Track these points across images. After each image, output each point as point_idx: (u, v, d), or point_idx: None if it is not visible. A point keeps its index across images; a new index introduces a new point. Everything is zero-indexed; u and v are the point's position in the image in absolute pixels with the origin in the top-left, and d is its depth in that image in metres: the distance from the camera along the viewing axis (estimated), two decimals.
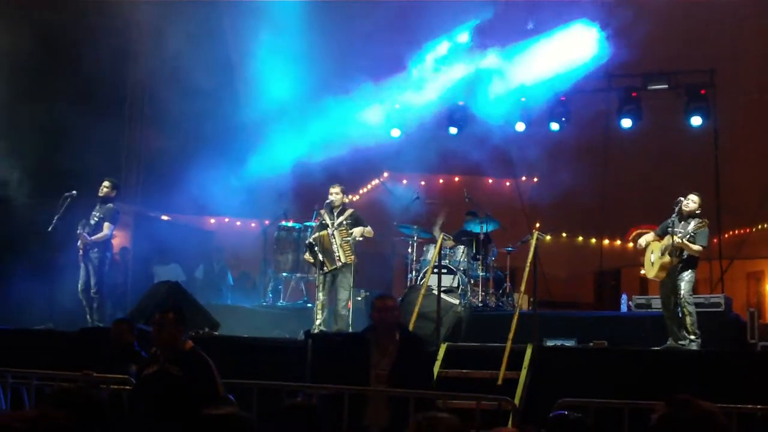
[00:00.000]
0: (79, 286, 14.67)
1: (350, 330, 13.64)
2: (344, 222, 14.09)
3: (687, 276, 12.50)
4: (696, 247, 12.43)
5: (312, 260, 14.20)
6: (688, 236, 12.41)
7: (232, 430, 4.51)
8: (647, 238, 13.11)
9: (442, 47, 20.33)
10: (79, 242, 14.61)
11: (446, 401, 8.84)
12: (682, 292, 12.40)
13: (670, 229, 12.60)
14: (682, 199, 12.71)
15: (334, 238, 13.92)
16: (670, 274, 12.54)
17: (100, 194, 14.87)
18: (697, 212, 12.66)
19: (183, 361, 8.10)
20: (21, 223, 16.76)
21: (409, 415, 8.07)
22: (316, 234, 14.08)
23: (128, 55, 20.76)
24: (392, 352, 8.86)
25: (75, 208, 15.03)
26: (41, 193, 16.98)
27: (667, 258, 12.50)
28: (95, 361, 10.04)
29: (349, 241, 13.96)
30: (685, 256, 12.51)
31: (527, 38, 19.57)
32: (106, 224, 14.67)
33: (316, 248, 13.96)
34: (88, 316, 14.58)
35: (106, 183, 14.93)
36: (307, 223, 16.34)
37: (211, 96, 19.20)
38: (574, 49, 19.07)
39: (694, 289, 12.93)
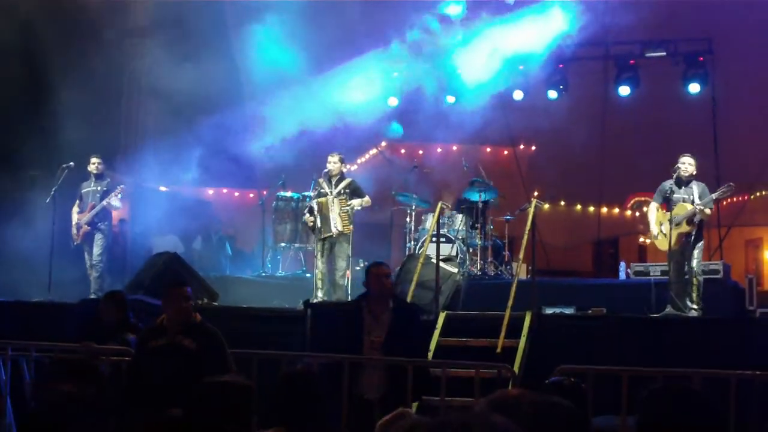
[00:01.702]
0: (91, 261, 14.96)
1: (349, 299, 13.68)
2: (343, 191, 14.12)
3: (700, 245, 12.52)
4: (707, 211, 12.46)
5: (311, 223, 14.20)
6: (702, 202, 12.40)
7: (233, 396, 4.52)
8: (653, 214, 13.06)
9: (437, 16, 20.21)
10: (84, 219, 14.74)
11: (446, 369, 8.84)
12: (694, 261, 12.42)
13: (670, 195, 12.59)
14: (680, 166, 12.70)
15: (333, 205, 13.96)
16: (684, 242, 12.52)
17: (94, 171, 15.03)
18: (694, 174, 12.65)
19: (195, 334, 8.14)
20: (20, 194, 16.74)
21: (406, 383, 8.11)
22: (317, 200, 14.10)
23: (126, 28, 20.68)
24: (386, 319, 8.93)
25: (71, 180, 15.09)
26: (39, 165, 16.99)
27: (685, 227, 12.46)
28: (95, 332, 10.05)
29: (347, 210, 14.00)
30: (697, 221, 12.49)
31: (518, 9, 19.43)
32: (119, 195, 14.87)
33: (315, 211, 14.00)
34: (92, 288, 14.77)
35: (96, 159, 15.16)
36: (306, 193, 16.32)
37: (210, 67, 19.12)
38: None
39: None
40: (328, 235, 13.96)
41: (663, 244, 12.86)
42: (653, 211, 13.09)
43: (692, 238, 12.49)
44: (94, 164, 15.09)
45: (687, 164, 12.66)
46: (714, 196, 12.48)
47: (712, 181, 13.19)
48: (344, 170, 14.51)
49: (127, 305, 10.32)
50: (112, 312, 10.16)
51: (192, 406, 4.54)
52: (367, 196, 14.43)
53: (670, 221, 12.57)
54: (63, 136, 16.75)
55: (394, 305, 9.03)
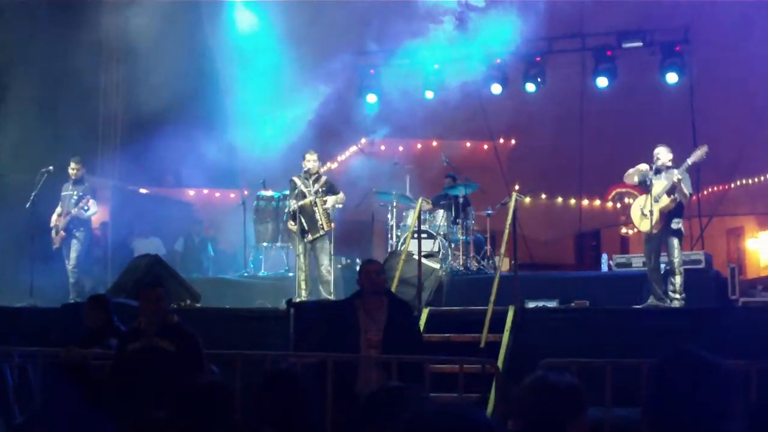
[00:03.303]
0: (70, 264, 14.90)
1: (332, 297, 13.67)
2: (320, 189, 14.09)
3: (677, 230, 12.52)
4: (686, 190, 12.43)
5: (294, 229, 14.15)
6: (679, 170, 12.41)
7: (214, 399, 4.52)
8: (632, 174, 13.01)
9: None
10: (60, 224, 14.70)
11: (429, 365, 8.84)
12: (675, 251, 12.43)
13: (650, 181, 12.59)
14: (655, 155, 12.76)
15: (316, 206, 13.92)
16: (663, 225, 12.51)
17: (73, 175, 15.00)
18: (669, 163, 12.65)
19: (172, 335, 8.13)
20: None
21: (402, 380, 8.10)
22: (299, 202, 14.04)
23: (103, 29, 20.61)
24: (381, 317, 8.91)
25: (51, 184, 15.04)
26: (19, 168, 16.94)
27: (665, 201, 12.43)
28: (77, 337, 10.02)
29: (327, 209, 13.98)
30: (678, 197, 12.45)
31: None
32: (92, 201, 14.81)
33: (300, 216, 13.95)
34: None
35: (74, 164, 15.10)
36: (285, 192, 16.30)
37: (187, 66, 19.09)
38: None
39: None
40: (316, 236, 13.91)
41: (645, 225, 12.83)
42: (632, 173, 13.03)
43: (669, 226, 12.50)
44: (73, 169, 15.01)
45: (661, 154, 12.68)
46: (689, 160, 12.47)
47: (692, 170, 13.21)
48: (322, 169, 14.46)
49: (111, 309, 10.28)
50: (96, 316, 10.11)
51: (174, 408, 4.54)
52: (341, 192, 14.43)
53: (653, 200, 12.56)
54: (40, 138, 16.71)
55: (388, 302, 9.01)
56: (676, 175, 12.36)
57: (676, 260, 12.41)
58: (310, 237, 13.95)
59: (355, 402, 8.65)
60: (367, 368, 8.83)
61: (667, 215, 12.49)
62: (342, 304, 9.77)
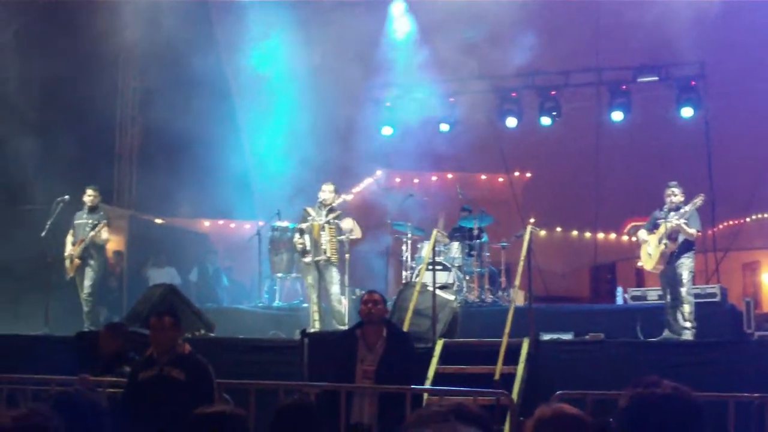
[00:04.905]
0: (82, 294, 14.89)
1: (344, 328, 13.67)
2: (332, 220, 14.09)
3: (687, 263, 12.58)
4: (690, 230, 12.50)
5: (300, 245, 14.16)
6: (684, 216, 12.48)
7: (225, 427, 4.50)
8: (642, 235, 13.18)
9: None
10: (75, 252, 14.69)
11: (444, 397, 8.81)
12: (684, 280, 12.48)
13: (659, 221, 12.69)
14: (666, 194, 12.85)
15: (324, 231, 13.93)
16: (669, 262, 12.60)
17: (89, 203, 14.95)
18: (682, 201, 12.73)
19: (183, 365, 8.08)
20: (16, 227, 16.73)
21: (401, 411, 8.09)
22: (307, 223, 14.08)
23: (121, 59, 20.76)
24: (379, 348, 8.95)
25: (66, 213, 15.07)
26: (35, 199, 17.00)
27: (664, 245, 12.55)
28: (91, 365, 10.03)
29: (335, 240, 13.97)
30: (681, 240, 12.56)
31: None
32: (105, 228, 14.80)
33: (306, 235, 13.99)
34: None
35: (91, 191, 15.04)
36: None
37: (204, 100, 19.20)
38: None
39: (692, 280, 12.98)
40: (318, 258, 13.92)
41: (648, 263, 13.01)
42: (643, 234, 13.18)
43: (679, 259, 12.56)
44: (90, 196, 14.97)
45: (671, 193, 12.79)
46: (687, 208, 12.55)
47: (706, 205, 13.21)
48: (337, 201, 14.45)
49: (127, 337, 10.30)
50: (111, 343, 10.12)
51: None
52: (354, 224, 14.45)
53: (657, 242, 12.69)
54: (56, 168, 16.78)
55: (387, 334, 9.05)
56: (674, 221, 12.45)
57: (684, 289, 12.49)
58: (310, 258, 13.97)
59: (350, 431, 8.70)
60: (361, 398, 8.86)
61: (670, 255, 12.57)
62: (344, 335, 9.82)
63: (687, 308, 12.39)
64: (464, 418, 2.80)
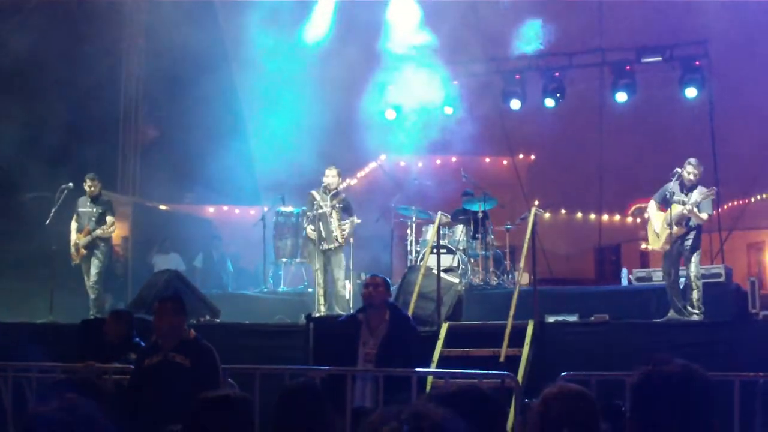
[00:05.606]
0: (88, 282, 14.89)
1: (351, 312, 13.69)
2: (336, 205, 14.11)
3: (694, 247, 12.54)
4: (703, 215, 12.46)
5: (313, 235, 14.17)
6: (695, 205, 12.43)
7: (230, 411, 4.50)
8: (652, 208, 13.14)
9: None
10: (81, 242, 14.67)
11: (449, 379, 8.82)
12: (692, 265, 12.46)
13: (670, 197, 12.63)
14: (679, 169, 12.72)
15: (332, 218, 13.96)
16: (675, 244, 12.57)
17: (89, 192, 14.87)
18: (696, 180, 12.65)
19: (188, 350, 8.07)
20: (21, 215, 16.75)
21: (405, 395, 8.10)
22: (317, 211, 14.09)
23: (125, 48, 20.75)
24: (381, 331, 8.97)
25: (70, 200, 15.05)
26: (39, 186, 16.98)
27: (675, 228, 12.50)
28: (97, 352, 10.03)
29: (343, 225, 14.02)
30: (693, 225, 12.54)
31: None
32: (109, 218, 14.76)
33: (319, 222, 14.00)
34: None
35: (90, 180, 14.95)
36: (305, 208, 16.31)
37: (208, 85, 19.16)
38: None
39: None
40: (330, 246, 13.96)
41: (655, 243, 12.98)
42: (652, 208, 13.14)
43: (687, 242, 12.54)
44: (89, 186, 14.88)
45: (689, 170, 12.65)
46: (699, 199, 12.49)
47: (711, 185, 13.18)
48: (342, 186, 14.45)
49: (133, 324, 10.31)
50: (118, 330, 10.13)
51: (192, 422, 4.51)
52: (355, 216, 14.44)
53: (665, 224, 12.66)
54: (60, 156, 16.76)
55: (390, 317, 9.06)
56: (687, 206, 12.42)
57: (693, 274, 12.43)
58: (325, 246, 14.00)
59: (352, 414, 8.72)
60: (362, 382, 8.88)
61: (678, 238, 12.56)
62: (347, 318, 9.83)
63: (695, 294, 12.36)
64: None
